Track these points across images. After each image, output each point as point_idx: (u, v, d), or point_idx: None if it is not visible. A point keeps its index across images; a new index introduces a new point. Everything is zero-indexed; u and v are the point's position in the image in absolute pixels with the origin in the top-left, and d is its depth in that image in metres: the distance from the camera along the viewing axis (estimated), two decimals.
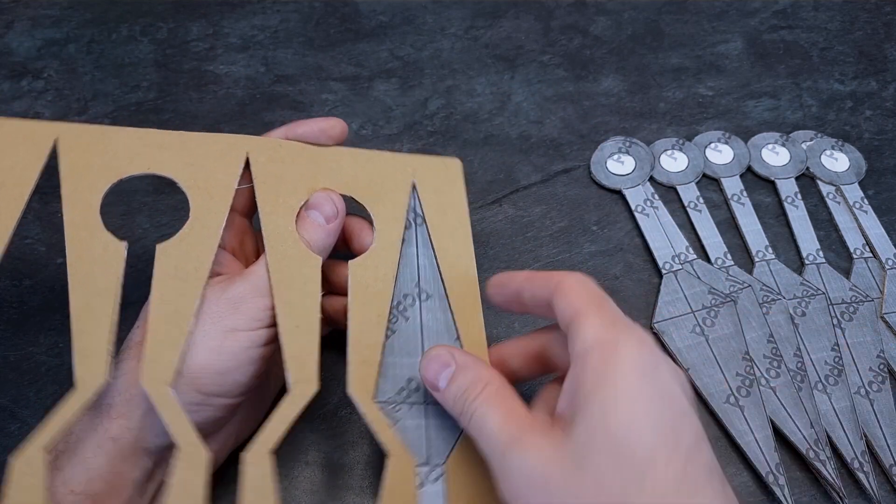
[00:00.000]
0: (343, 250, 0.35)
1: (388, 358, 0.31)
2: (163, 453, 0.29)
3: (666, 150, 0.46)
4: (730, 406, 0.35)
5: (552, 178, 0.46)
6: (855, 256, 0.42)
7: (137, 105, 0.49)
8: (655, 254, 0.41)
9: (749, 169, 0.46)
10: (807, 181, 0.45)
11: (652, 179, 0.45)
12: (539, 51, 0.53)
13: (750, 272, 0.41)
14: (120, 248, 0.30)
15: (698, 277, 0.40)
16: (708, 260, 0.41)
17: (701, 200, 0.44)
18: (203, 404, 0.29)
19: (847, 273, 0.41)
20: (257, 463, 0.27)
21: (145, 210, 0.44)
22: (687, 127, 0.48)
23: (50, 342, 0.38)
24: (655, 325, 0.38)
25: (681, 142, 0.47)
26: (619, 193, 0.45)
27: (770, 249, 0.42)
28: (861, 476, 0.33)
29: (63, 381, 0.37)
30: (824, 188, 0.45)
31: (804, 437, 0.34)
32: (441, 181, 0.37)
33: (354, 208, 0.35)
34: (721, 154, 0.46)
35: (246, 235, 0.35)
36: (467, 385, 0.28)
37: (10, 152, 0.30)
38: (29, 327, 0.39)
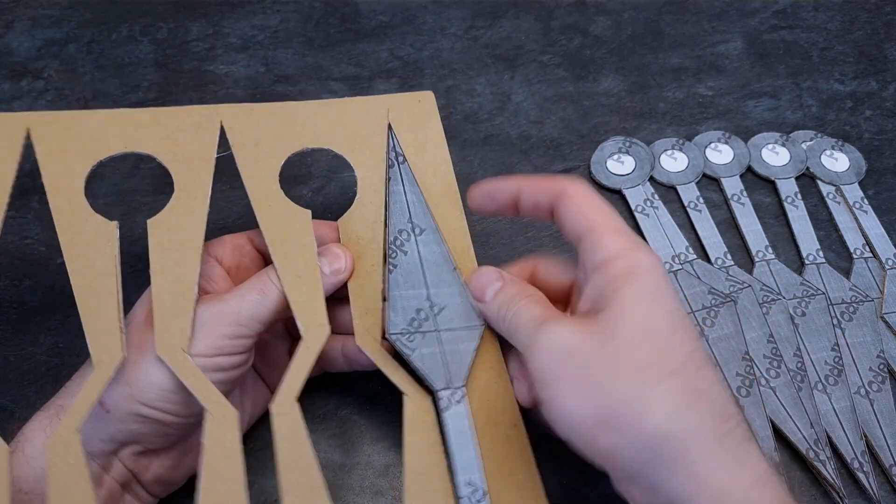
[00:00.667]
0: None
1: (395, 291, 0.32)
2: (109, 458, 0.29)
3: (666, 150, 0.46)
4: None
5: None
6: (855, 256, 0.42)
7: (137, 105, 0.49)
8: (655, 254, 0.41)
9: (749, 169, 0.46)
10: (807, 181, 0.45)
11: (652, 179, 0.45)
12: (539, 51, 0.53)
13: (750, 272, 0.41)
14: (111, 228, 0.31)
15: (698, 277, 0.40)
16: (708, 260, 0.41)
17: (701, 200, 0.44)
18: (149, 418, 0.28)
19: (847, 273, 0.41)
20: (286, 412, 0.28)
21: (145, 210, 0.44)
22: (687, 127, 0.48)
23: (50, 342, 0.38)
24: None
25: (681, 142, 0.47)
26: (619, 193, 0.45)
27: (770, 249, 0.42)
28: (861, 476, 0.33)
29: (63, 381, 0.37)
30: (824, 188, 0.45)
31: (804, 437, 0.34)
32: (416, 117, 0.37)
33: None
34: (721, 154, 0.46)
35: (247, 259, 0.34)
36: (513, 294, 0.29)
37: None
38: (29, 327, 0.39)
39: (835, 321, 0.38)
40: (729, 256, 0.41)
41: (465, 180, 0.45)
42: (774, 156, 0.46)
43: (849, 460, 0.34)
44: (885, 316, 0.39)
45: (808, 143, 0.47)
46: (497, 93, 0.50)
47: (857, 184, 0.45)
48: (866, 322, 0.38)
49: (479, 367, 0.32)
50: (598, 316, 0.26)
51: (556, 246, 0.42)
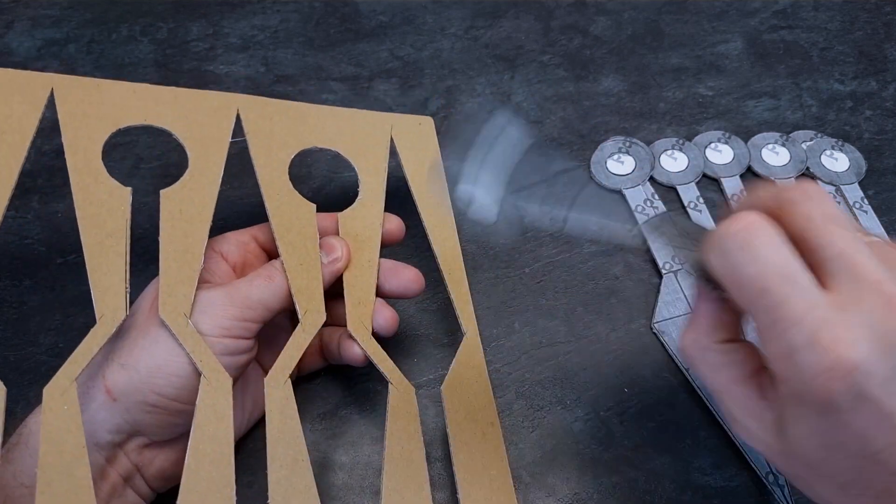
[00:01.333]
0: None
1: None
2: (114, 450, 0.29)
3: (666, 150, 0.46)
4: None
5: (552, 178, 0.46)
6: None
7: None
8: (655, 254, 0.41)
9: (749, 169, 0.46)
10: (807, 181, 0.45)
11: (652, 179, 0.45)
12: (539, 51, 0.53)
13: None
14: (125, 193, 0.31)
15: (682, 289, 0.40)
16: None
17: (701, 200, 0.44)
18: (156, 407, 0.28)
19: None
20: (278, 387, 0.30)
21: (145, 210, 0.44)
22: (687, 127, 0.48)
23: (50, 342, 0.38)
24: (655, 325, 0.38)
25: (681, 142, 0.47)
26: (619, 193, 0.45)
27: None
28: None
29: None
30: (824, 188, 0.45)
31: None
32: (416, 138, 0.40)
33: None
34: (721, 154, 0.46)
35: (252, 256, 0.34)
36: None
37: (6, 101, 0.31)
38: (29, 327, 0.39)
39: None
40: None
41: (465, 180, 0.45)
42: (774, 156, 0.46)
43: None
44: None
45: (808, 143, 0.47)
46: (497, 93, 0.50)
47: (857, 184, 0.45)
48: None
49: (460, 365, 0.33)
50: None
51: (555, 247, 0.42)
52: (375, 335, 0.33)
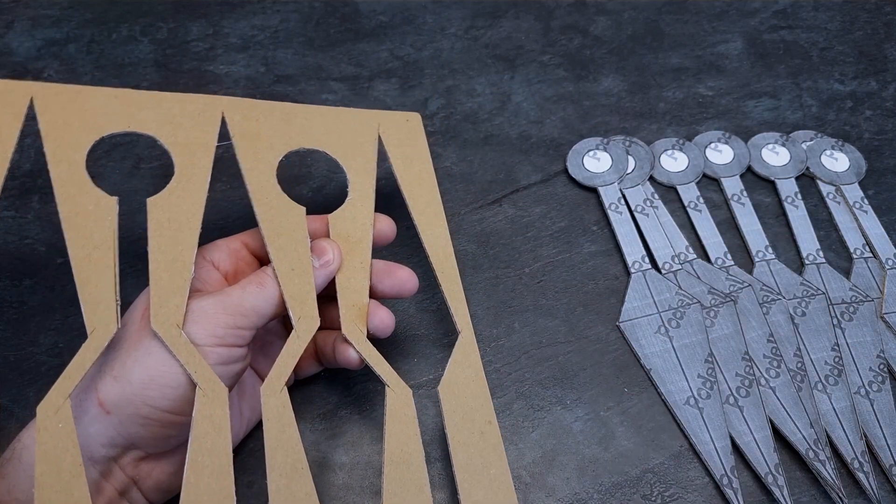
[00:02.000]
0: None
1: None
2: (109, 464, 0.28)
3: (666, 150, 0.46)
4: (729, 406, 0.35)
5: (552, 178, 0.46)
6: (855, 256, 0.42)
7: None
8: (655, 254, 0.41)
9: (749, 169, 0.46)
10: (807, 181, 0.45)
11: (652, 179, 0.45)
12: (539, 51, 0.53)
13: (750, 272, 0.41)
14: (112, 203, 0.31)
15: (698, 277, 0.40)
16: (708, 260, 0.41)
17: (701, 200, 0.44)
18: (150, 419, 0.28)
19: (847, 273, 0.41)
20: (274, 395, 0.29)
21: (145, 210, 0.44)
22: (687, 127, 0.48)
23: (50, 342, 0.38)
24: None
25: (681, 142, 0.47)
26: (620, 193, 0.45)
27: (770, 249, 0.41)
28: (861, 476, 0.33)
29: None
30: (824, 188, 0.45)
31: (804, 437, 0.34)
32: (404, 134, 0.39)
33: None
34: (721, 154, 0.46)
35: (243, 263, 0.34)
36: None
37: None
38: (29, 327, 0.39)
39: (835, 321, 0.38)
40: (729, 256, 0.41)
41: (465, 180, 0.45)
42: (774, 156, 0.46)
43: (849, 460, 0.34)
44: (885, 316, 0.39)
45: (808, 143, 0.47)
46: (497, 93, 0.50)
47: (857, 184, 0.45)
48: (866, 322, 0.38)
49: (456, 364, 0.33)
50: None
51: (555, 247, 0.42)
52: (372, 337, 0.33)
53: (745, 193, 0.44)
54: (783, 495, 0.33)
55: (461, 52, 0.53)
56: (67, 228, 0.30)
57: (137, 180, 0.45)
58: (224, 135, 0.34)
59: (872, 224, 0.43)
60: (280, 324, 0.36)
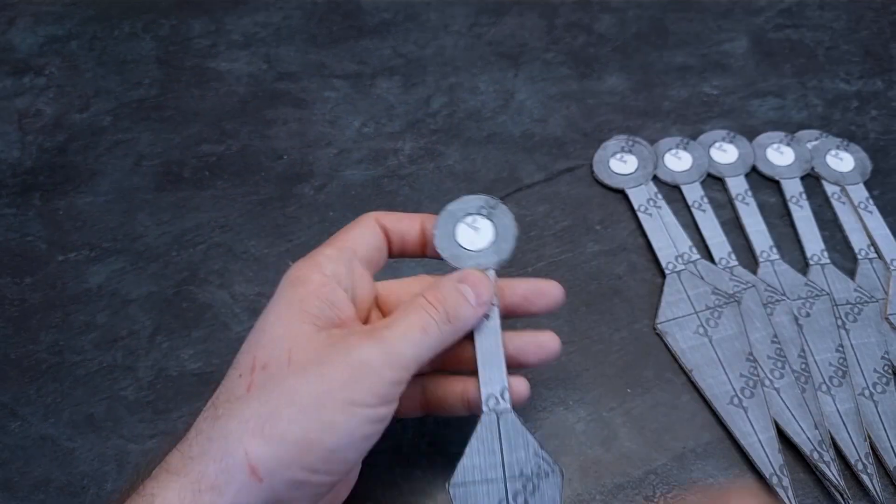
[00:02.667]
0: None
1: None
2: None
3: (670, 150, 0.46)
4: (733, 407, 0.35)
5: (556, 176, 0.46)
6: (860, 257, 0.41)
7: (139, 102, 0.49)
8: (658, 254, 0.41)
9: (754, 168, 0.46)
10: (812, 181, 0.45)
11: (656, 179, 0.45)
12: (543, 48, 0.53)
13: (754, 272, 0.40)
14: None
15: (702, 278, 0.40)
16: (712, 260, 0.41)
17: (705, 200, 0.44)
18: (306, 482, 0.25)
19: (852, 274, 0.41)
20: None
21: (147, 208, 0.44)
22: (692, 126, 0.48)
23: (50, 340, 0.38)
24: (659, 325, 0.38)
25: (685, 141, 0.46)
26: (622, 192, 0.44)
27: (774, 250, 0.41)
28: (865, 478, 0.33)
29: (63, 379, 0.37)
30: (829, 188, 0.44)
31: (808, 438, 0.34)
32: None
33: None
34: (726, 153, 0.46)
35: (363, 281, 0.30)
36: None
37: None
38: (30, 325, 0.39)
39: (839, 322, 0.38)
40: (733, 256, 0.41)
41: (468, 179, 0.45)
42: (779, 155, 0.46)
43: (853, 462, 0.34)
44: (889, 317, 0.38)
45: (813, 143, 0.46)
46: (500, 91, 0.50)
47: (862, 184, 0.44)
48: (871, 323, 0.38)
49: None
50: None
51: (558, 246, 0.42)
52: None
53: (749, 193, 0.44)
54: (788, 496, 0.32)
55: (464, 49, 0.53)
56: None
57: (139, 178, 0.45)
58: None
59: (877, 224, 0.42)
60: None
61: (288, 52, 0.52)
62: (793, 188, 0.44)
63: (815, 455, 0.34)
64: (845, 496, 0.33)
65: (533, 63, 0.52)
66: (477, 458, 0.28)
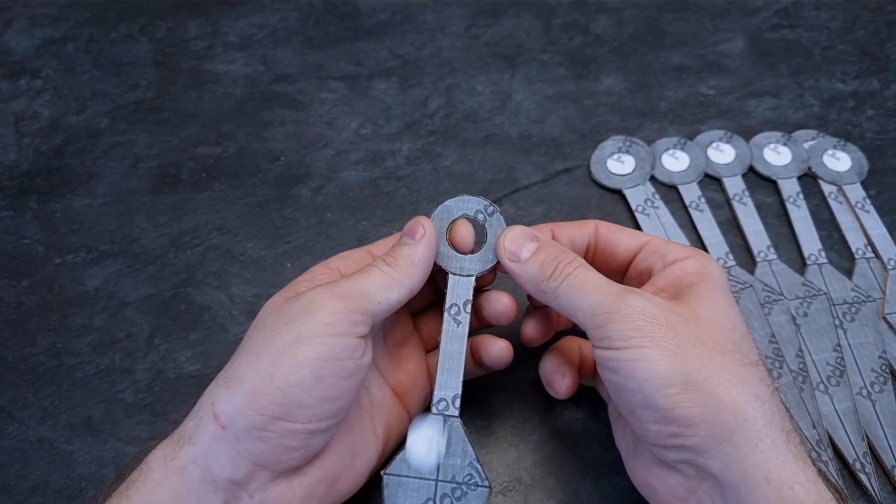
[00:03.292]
0: None
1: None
2: (234, 490, 0.26)
3: (667, 150, 0.46)
4: None
5: (553, 177, 0.46)
6: (857, 257, 0.41)
7: (136, 104, 0.49)
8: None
9: (751, 168, 0.46)
10: (809, 181, 0.45)
11: (653, 179, 0.45)
12: (540, 49, 0.53)
13: (752, 272, 0.41)
14: None
15: None
16: None
17: (703, 200, 0.44)
18: (265, 431, 0.25)
19: (849, 273, 0.41)
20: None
21: (143, 209, 0.44)
22: (689, 126, 0.48)
23: (48, 343, 0.38)
24: None
25: (682, 141, 0.46)
26: (619, 193, 0.44)
27: (772, 249, 0.41)
28: (863, 477, 0.33)
29: (61, 382, 0.37)
30: (826, 188, 0.45)
31: (806, 437, 0.34)
32: None
33: None
34: (723, 153, 0.46)
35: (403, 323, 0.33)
36: (556, 254, 0.29)
37: None
38: (27, 328, 0.39)
39: (837, 321, 0.38)
40: (730, 256, 0.41)
41: (465, 180, 0.45)
42: (776, 155, 0.46)
43: (851, 461, 0.34)
44: (887, 316, 0.39)
45: (809, 143, 0.47)
46: (497, 92, 0.50)
47: (858, 183, 0.45)
48: (868, 322, 0.38)
49: None
50: (682, 300, 0.28)
51: None
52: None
53: (746, 193, 0.44)
54: None
55: (461, 50, 0.53)
56: None
57: (136, 180, 0.45)
58: None
59: (874, 224, 0.43)
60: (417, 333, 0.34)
61: (285, 54, 0.52)
62: (790, 188, 0.44)
63: (814, 454, 0.34)
64: (843, 496, 0.33)
65: (530, 64, 0.52)
66: (415, 455, 0.29)
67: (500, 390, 0.37)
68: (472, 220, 0.32)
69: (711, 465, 0.25)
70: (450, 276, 0.31)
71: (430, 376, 0.33)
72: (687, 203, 0.44)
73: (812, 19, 0.55)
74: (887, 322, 0.38)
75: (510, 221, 0.43)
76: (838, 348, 0.37)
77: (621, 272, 0.33)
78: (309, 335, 0.26)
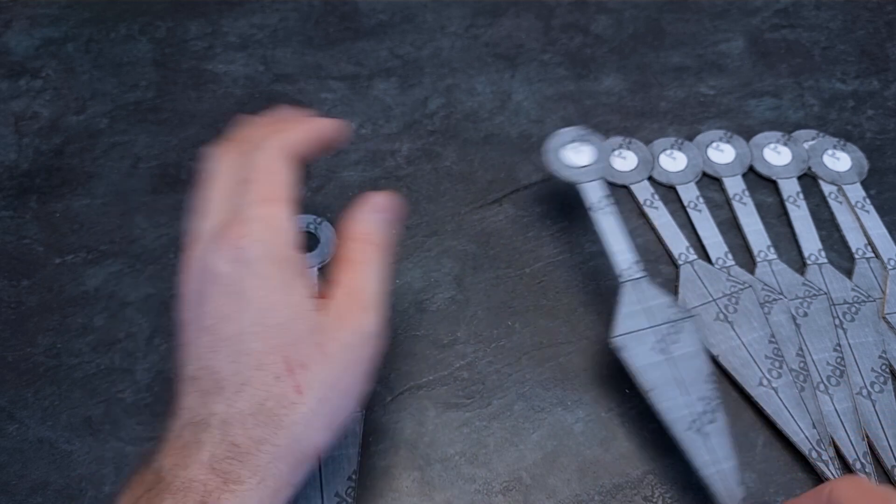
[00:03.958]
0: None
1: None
2: None
3: (665, 150, 0.46)
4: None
5: (553, 177, 0.46)
6: (857, 256, 0.41)
7: (136, 104, 0.49)
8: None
9: (751, 168, 0.46)
10: (809, 181, 0.45)
11: (651, 179, 0.45)
12: (540, 49, 0.53)
13: (751, 272, 0.41)
14: None
15: (699, 278, 0.40)
16: (709, 260, 0.41)
17: (701, 200, 0.44)
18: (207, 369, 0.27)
19: (849, 273, 0.41)
20: None
21: (143, 209, 0.44)
22: (688, 126, 0.48)
23: (48, 343, 0.38)
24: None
25: (680, 141, 0.46)
26: (626, 188, 0.44)
27: (772, 249, 0.41)
28: (863, 477, 0.33)
29: (61, 382, 0.37)
30: (826, 188, 0.45)
31: (806, 437, 0.34)
32: None
33: None
34: (723, 153, 0.46)
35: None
36: None
37: None
38: (27, 328, 0.39)
39: (837, 321, 0.38)
40: (730, 256, 0.41)
41: (466, 180, 0.45)
42: (776, 155, 0.46)
43: (851, 461, 0.34)
44: (887, 316, 0.39)
45: (809, 143, 0.47)
46: (497, 92, 0.50)
47: (859, 183, 0.45)
48: (868, 322, 0.38)
49: None
50: None
51: (556, 247, 0.42)
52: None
53: (746, 193, 0.44)
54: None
55: (461, 50, 0.53)
56: None
57: (135, 180, 0.45)
58: None
59: (874, 224, 0.43)
60: None
61: (285, 54, 0.52)
62: (790, 188, 0.44)
63: (814, 454, 0.34)
64: None
65: (530, 64, 0.52)
66: (627, 318, 0.35)
67: (501, 390, 0.37)
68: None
69: None
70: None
71: None
72: (685, 203, 0.44)
73: (812, 19, 0.55)
74: (887, 322, 0.38)
75: (510, 221, 0.44)
76: (838, 348, 0.37)
77: None
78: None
